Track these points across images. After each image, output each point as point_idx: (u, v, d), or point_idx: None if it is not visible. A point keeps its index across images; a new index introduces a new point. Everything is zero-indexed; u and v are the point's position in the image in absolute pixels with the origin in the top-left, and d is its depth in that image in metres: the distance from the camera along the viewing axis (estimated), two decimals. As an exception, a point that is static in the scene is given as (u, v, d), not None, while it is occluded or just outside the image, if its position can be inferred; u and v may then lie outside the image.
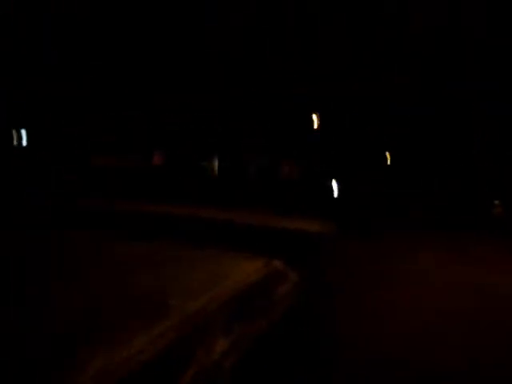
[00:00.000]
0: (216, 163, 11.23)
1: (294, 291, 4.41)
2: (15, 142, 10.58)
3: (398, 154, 10.78)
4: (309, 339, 4.00)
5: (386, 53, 9.23)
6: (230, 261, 4.43)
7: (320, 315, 4.59)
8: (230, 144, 10.76)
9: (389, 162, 10.85)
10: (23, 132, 10.53)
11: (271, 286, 4.20)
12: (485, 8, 8.92)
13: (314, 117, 10.15)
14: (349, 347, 3.92)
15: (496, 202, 10.70)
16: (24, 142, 10.58)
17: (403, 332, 4.29)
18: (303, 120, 10.17)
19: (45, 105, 10.10)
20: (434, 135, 9.94)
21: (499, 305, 5.13)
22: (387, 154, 10.71)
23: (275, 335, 3.77)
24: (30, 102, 10.02)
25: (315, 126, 10.22)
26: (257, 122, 10.09)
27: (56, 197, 7.93)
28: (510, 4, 8.88)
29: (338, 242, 7.96)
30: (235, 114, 10.12)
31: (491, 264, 7.62)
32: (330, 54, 9.32)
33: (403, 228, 10.34)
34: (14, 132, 10.50)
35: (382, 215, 10.41)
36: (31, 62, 9.65)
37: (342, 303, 5.21)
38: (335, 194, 9.86)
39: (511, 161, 10.02)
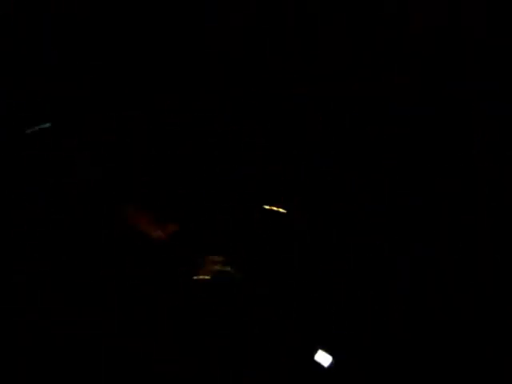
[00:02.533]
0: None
1: None
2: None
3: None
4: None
5: (386, 53, 9.25)
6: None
7: None
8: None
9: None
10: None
11: None
12: (485, 8, 8.94)
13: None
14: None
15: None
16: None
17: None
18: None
19: (45, 105, 10.14)
20: (433, 135, 9.96)
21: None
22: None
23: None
24: (29, 101, 10.07)
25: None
26: (257, 122, 10.11)
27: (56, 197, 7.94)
28: (510, 4, 8.91)
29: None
30: (235, 114, 10.15)
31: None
32: (330, 54, 9.33)
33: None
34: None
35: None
36: (31, 62, 9.68)
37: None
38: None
39: (511, 161, 10.04)
